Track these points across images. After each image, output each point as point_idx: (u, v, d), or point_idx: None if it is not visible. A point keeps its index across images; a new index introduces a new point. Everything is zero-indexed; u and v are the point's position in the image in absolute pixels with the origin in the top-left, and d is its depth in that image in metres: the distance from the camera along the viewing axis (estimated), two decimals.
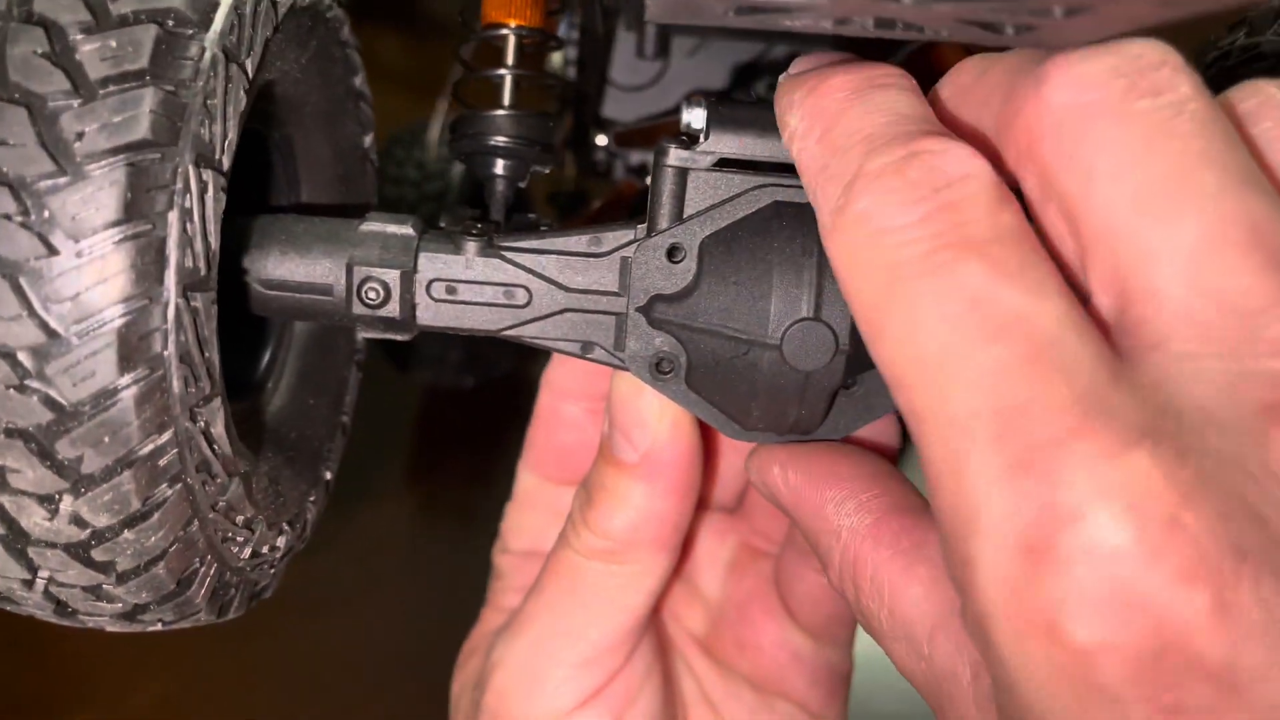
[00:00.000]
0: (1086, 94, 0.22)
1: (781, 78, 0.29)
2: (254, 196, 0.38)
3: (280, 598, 0.37)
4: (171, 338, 0.26)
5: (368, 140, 0.41)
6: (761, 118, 0.33)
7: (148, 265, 0.25)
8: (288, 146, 0.38)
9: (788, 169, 0.33)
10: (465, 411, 1.08)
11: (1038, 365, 0.19)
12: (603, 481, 0.37)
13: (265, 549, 0.33)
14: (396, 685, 0.86)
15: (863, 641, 0.46)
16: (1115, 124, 0.21)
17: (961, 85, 0.26)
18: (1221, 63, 0.36)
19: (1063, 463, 0.18)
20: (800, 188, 0.32)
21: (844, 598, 0.30)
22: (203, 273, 0.27)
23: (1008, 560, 0.19)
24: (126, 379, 0.25)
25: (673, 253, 0.33)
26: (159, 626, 0.31)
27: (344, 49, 0.38)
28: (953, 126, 0.25)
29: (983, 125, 0.25)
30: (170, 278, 0.26)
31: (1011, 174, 0.24)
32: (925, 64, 0.66)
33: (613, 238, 0.33)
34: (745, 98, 0.34)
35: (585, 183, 0.84)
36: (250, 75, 0.28)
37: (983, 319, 0.20)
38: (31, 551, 0.27)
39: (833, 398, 0.33)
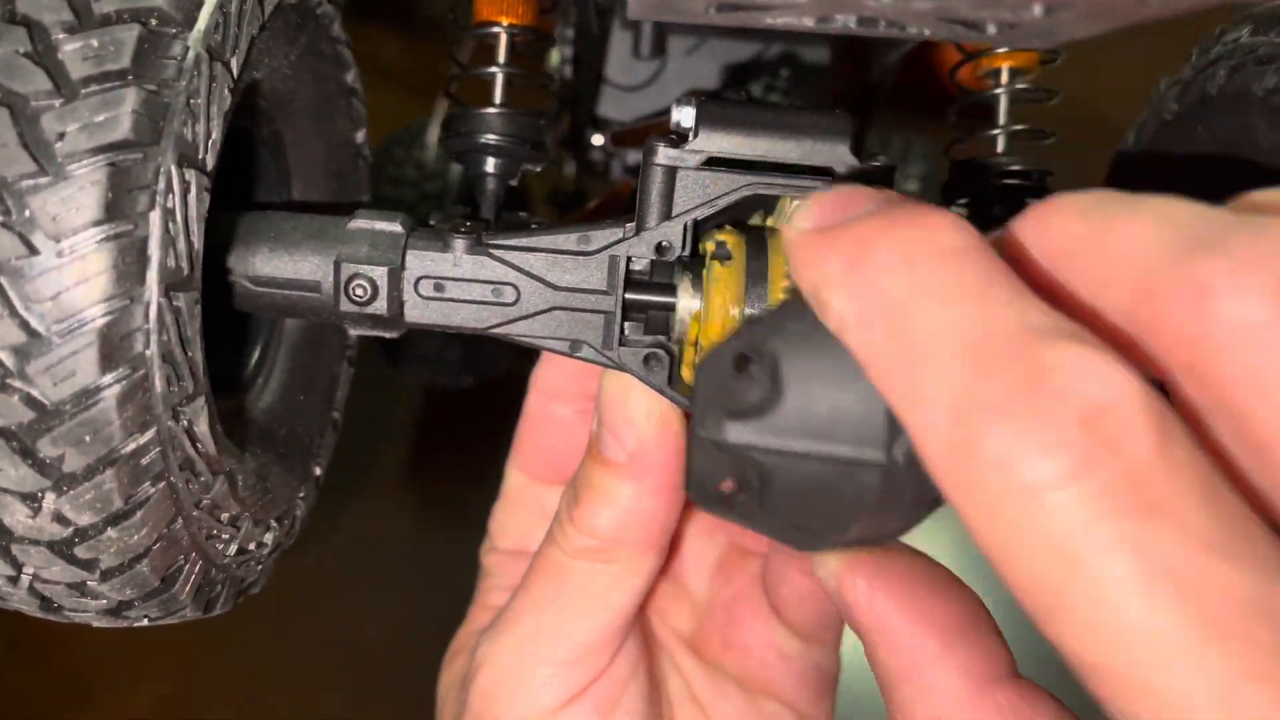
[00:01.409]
0: (1267, 309, 0.17)
1: (793, 233, 0.24)
2: (242, 193, 0.38)
3: (278, 597, 0.37)
4: (154, 337, 0.26)
5: (360, 136, 0.41)
6: (750, 116, 0.33)
7: (129, 265, 0.25)
8: (277, 143, 0.38)
9: (776, 168, 0.33)
10: (461, 411, 1.08)
11: None
12: (590, 480, 0.37)
13: (252, 545, 0.33)
14: (395, 684, 0.86)
15: (853, 642, 0.46)
16: None
17: (1064, 247, 0.21)
18: (1226, 60, 0.36)
19: None
20: (784, 184, 0.32)
21: None
22: (185, 272, 0.27)
23: None
24: (108, 378, 0.25)
25: (661, 251, 0.33)
26: (145, 622, 0.31)
27: (334, 45, 0.38)
28: (1054, 295, 0.21)
29: (1103, 304, 0.20)
30: (152, 277, 0.26)
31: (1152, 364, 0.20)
32: (925, 61, 0.66)
33: (601, 236, 0.33)
34: (735, 96, 0.34)
35: (585, 182, 0.84)
36: (235, 74, 0.28)
37: (1199, 610, 0.16)
38: (15, 549, 0.27)
39: None
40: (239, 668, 0.87)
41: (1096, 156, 0.54)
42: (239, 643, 0.86)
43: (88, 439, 0.25)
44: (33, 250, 0.24)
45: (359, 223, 0.33)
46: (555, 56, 0.67)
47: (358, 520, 0.97)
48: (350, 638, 0.90)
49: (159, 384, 0.26)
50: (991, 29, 0.23)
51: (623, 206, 0.71)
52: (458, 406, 1.09)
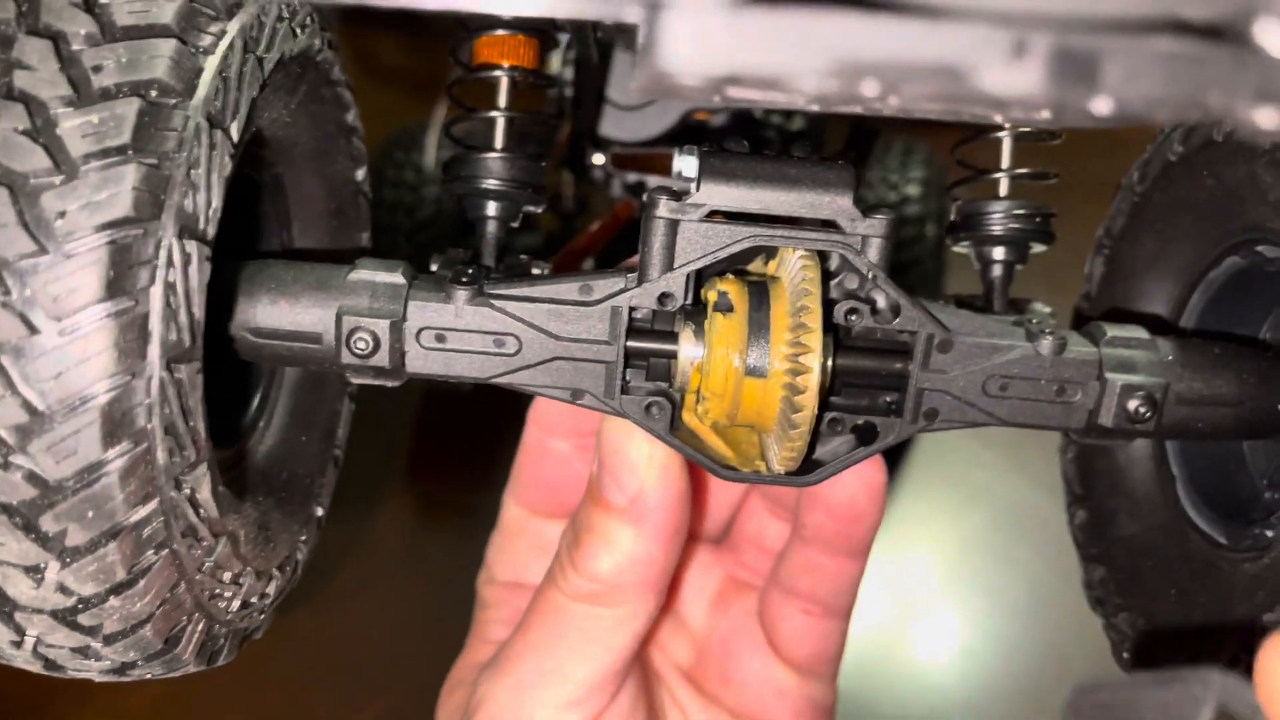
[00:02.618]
0: None
1: None
2: (242, 238, 0.38)
3: None
4: (156, 411, 0.26)
5: (360, 174, 0.41)
6: (752, 169, 0.32)
7: (130, 342, 0.25)
8: (278, 186, 0.38)
9: (776, 220, 0.33)
10: (464, 413, 1.08)
11: None
12: (590, 524, 0.37)
13: (255, 599, 0.33)
14: (396, 685, 0.87)
15: (860, 647, 0.47)
16: None
17: None
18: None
19: None
20: (786, 237, 0.32)
21: None
22: (187, 344, 0.27)
23: None
24: (111, 454, 0.25)
25: (663, 301, 0.33)
26: (148, 677, 0.32)
27: (334, 88, 0.37)
28: None
29: None
30: (154, 352, 0.25)
31: None
32: None
33: (603, 286, 0.33)
34: (737, 146, 0.34)
35: (583, 188, 0.84)
36: (235, 139, 0.28)
37: None
38: (19, 616, 0.27)
39: None
40: (239, 667, 0.87)
41: (1103, 165, 0.54)
42: None
43: (90, 514, 0.25)
44: (33, 330, 0.24)
45: (360, 274, 0.33)
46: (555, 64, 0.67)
47: (360, 522, 0.97)
48: (351, 638, 0.90)
49: (161, 456, 0.26)
50: (998, 118, 0.23)
51: (621, 227, 0.71)
52: (461, 410, 1.08)
